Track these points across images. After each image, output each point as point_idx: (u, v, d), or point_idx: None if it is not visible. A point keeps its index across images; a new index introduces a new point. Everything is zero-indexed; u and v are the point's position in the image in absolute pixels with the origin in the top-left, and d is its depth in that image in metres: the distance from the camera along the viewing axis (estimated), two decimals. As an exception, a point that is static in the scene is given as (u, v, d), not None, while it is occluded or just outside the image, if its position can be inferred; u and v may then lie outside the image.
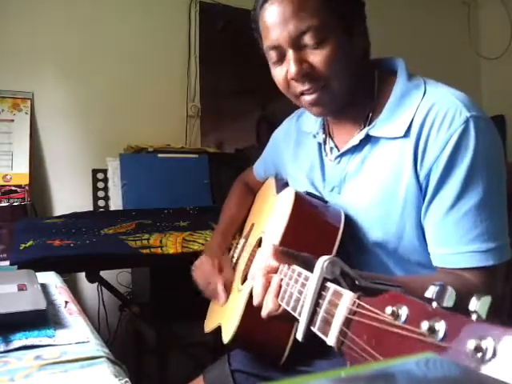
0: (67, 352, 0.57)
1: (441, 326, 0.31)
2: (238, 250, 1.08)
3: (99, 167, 1.96)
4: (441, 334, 0.31)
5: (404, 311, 0.36)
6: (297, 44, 0.78)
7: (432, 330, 0.32)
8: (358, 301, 0.43)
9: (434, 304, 0.35)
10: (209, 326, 1.06)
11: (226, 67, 2.40)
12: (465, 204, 0.74)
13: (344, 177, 0.87)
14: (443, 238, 0.76)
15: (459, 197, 0.74)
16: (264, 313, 0.65)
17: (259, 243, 0.93)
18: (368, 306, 0.41)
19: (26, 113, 2.01)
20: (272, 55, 0.82)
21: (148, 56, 2.26)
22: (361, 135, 0.84)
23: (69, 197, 2.05)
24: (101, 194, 1.92)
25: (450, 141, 0.74)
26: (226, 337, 0.86)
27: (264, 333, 0.78)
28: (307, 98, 0.82)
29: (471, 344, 0.28)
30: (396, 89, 0.83)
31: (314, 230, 0.81)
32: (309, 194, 0.90)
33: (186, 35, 2.36)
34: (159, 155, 1.95)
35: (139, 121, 2.22)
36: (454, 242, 0.75)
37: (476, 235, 0.73)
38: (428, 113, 0.77)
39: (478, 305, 0.32)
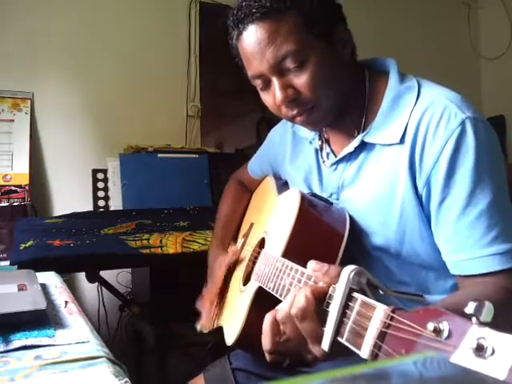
0: (67, 352, 0.57)
1: (488, 344, 0.31)
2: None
3: (99, 167, 1.97)
4: (489, 351, 0.31)
5: (446, 327, 0.36)
6: (278, 70, 0.77)
7: (480, 348, 0.32)
8: (392, 314, 0.43)
9: (474, 319, 0.34)
10: None
11: (226, 67, 2.39)
12: (476, 206, 0.72)
13: (341, 184, 0.86)
14: (458, 244, 0.73)
15: (469, 200, 0.72)
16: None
17: (261, 244, 0.93)
18: (406, 321, 0.40)
19: (26, 113, 2.02)
20: (257, 83, 0.82)
21: (148, 56, 2.26)
22: (356, 142, 0.83)
23: (69, 197, 2.06)
24: (101, 194, 1.93)
25: (447, 144, 0.72)
26: (230, 338, 0.85)
27: None
28: (299, 119, 0.82)
29: None
30: (388, 92, 0.82)
31: (320, 233, 0.80)
32: (313, 195, 0.89)
33: (186, 35, 2.36)
34: (159, 155, 1.95)
35: (139, 121, 2.22)
36: (470, 247, 0.72)
37: (493, 237, 0.71)
38: (422, 117, 0.76)
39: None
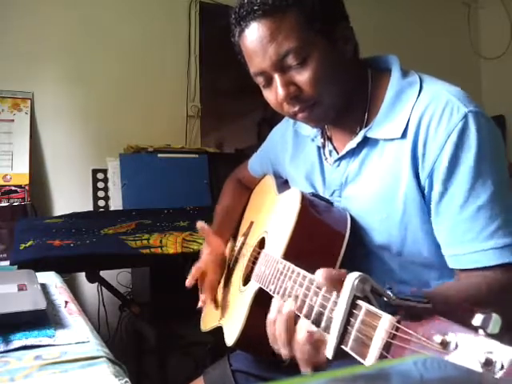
0: (67, 352, 0.57)
1: (497, 358, 0.31)
2: (236, 248, 1.08)
3: (99, 167, 1.97)
4: (498, 366, 0.31)
5: (453, 339, 0.35)
6: (280, 67, 0.78)
7: (489, 363, 0.31)
8: (397, 325, 0.42)
9: (481, 331, 0.34)
10: (206, 325, 1.06)
11: (226, 67, 2.39)
12: (476, 200, 0.72)
13: (344, 181, 0.86)
14: (458, 238, 0.73)
15: (470, 193, 0.72)
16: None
17: (261, 243, 0.93)
18: (412, 332, 0.40)
19: (26, 113, 2.02)
20: (259, 80, 0.83)
21: (148, 56, 2.27)
22: (358, 138, 0.83)
23: (69, 197, 2.06)
24: (101, 194, 1.93)
25: (450, 138, 0.72)
26: (230, 339, 0.85)
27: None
28: (301, 115, 0.82)
29: None
30: (391, 88, 0.82)
31: (321, 234, 0.80)
32: (314, 195, 0.89)
33: (186, 35, 2.37)
34: (159, 155, 1.95)
35: (139, 121, 2.22)
36: (469, 241, 0.72)
37: (492, 231, 0.71)
38: (424, 112, 0.76)
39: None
